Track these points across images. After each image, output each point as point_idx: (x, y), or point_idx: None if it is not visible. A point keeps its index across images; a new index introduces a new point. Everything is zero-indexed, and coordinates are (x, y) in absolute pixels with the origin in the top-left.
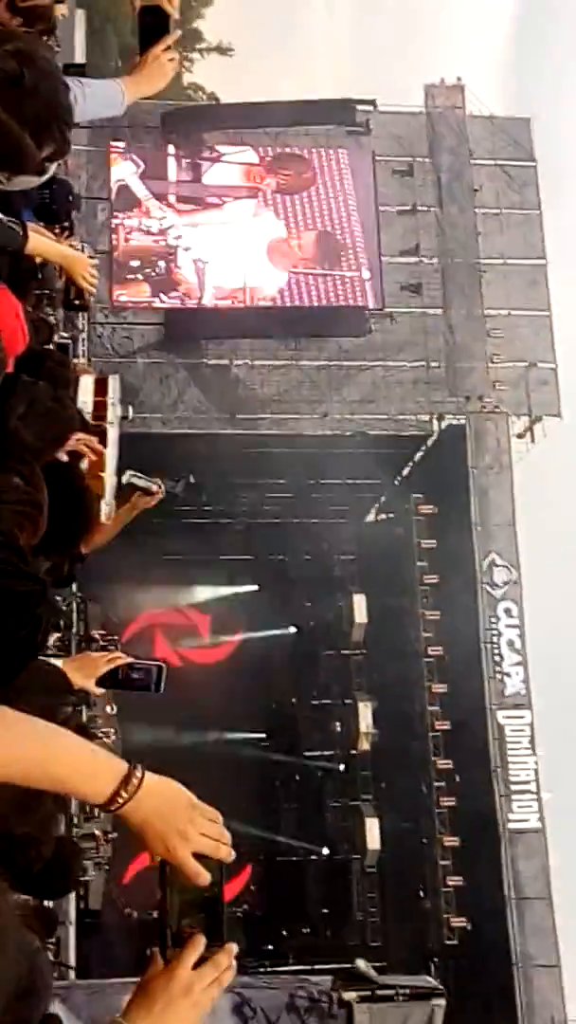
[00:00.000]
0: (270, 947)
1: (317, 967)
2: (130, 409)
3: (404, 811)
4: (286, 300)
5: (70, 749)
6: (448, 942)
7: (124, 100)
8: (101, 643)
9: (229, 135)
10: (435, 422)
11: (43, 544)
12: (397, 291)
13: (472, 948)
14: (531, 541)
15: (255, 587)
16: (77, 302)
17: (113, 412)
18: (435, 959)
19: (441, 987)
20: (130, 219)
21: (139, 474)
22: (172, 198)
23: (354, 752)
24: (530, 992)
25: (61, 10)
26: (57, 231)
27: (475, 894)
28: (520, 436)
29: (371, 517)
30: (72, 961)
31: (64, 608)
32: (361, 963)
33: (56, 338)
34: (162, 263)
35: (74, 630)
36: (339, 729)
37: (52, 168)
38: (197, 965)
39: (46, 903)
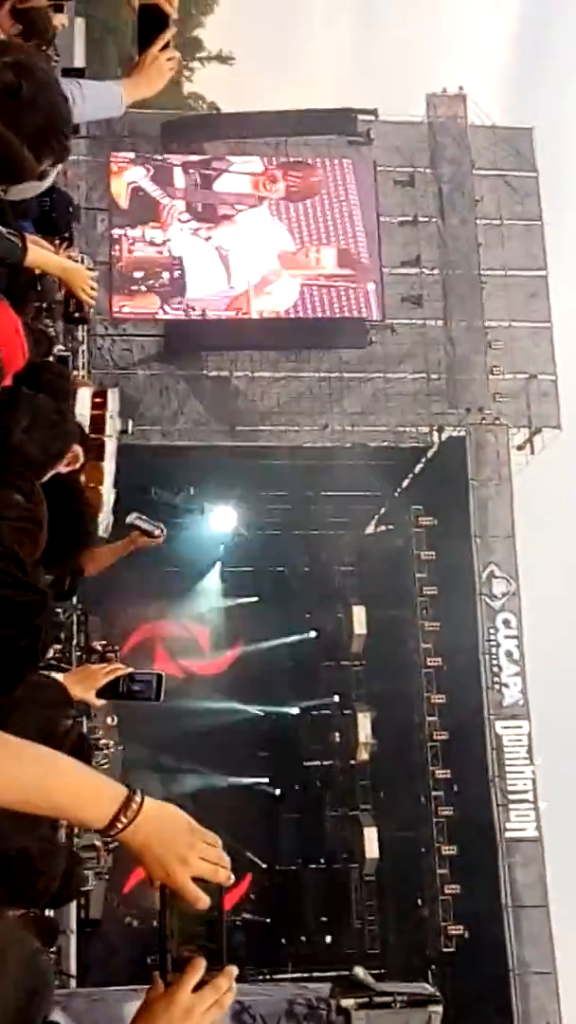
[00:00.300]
0: (269, 955)
1: (316, 974)
2: (129, 423)
3: (402, 820)
4: (295, 312)
5: (70, 775)
6: (446, 950)
7: (123, 101)
8: (102, 654)
9: (231, 145)
10: (435, 434)
11: (43, 558)
12: (398, 302)
13: (469, 956)
14: (530, 553)
15: (255, 599)
16: (77, 315)
17: (112, 425)
18: (433, 966)
19: (438, 994)
20: (133, 230)
21: (143, 516)
22: (182, 204)
23: (353, 762)
24: (527, 999)
25: (60, 20)
26: (56, 242)
27: (472, 902)
28: (520, 448)
29: (371, 529)
30: (73, 969)
31: (64, 620)
32: (359, 970)
33: (56, 350)
34: (166, 274)
35: (74, 642)
36: (338, 739)
37: (52, 175)
38: (197, 988)
39: (47, 912)
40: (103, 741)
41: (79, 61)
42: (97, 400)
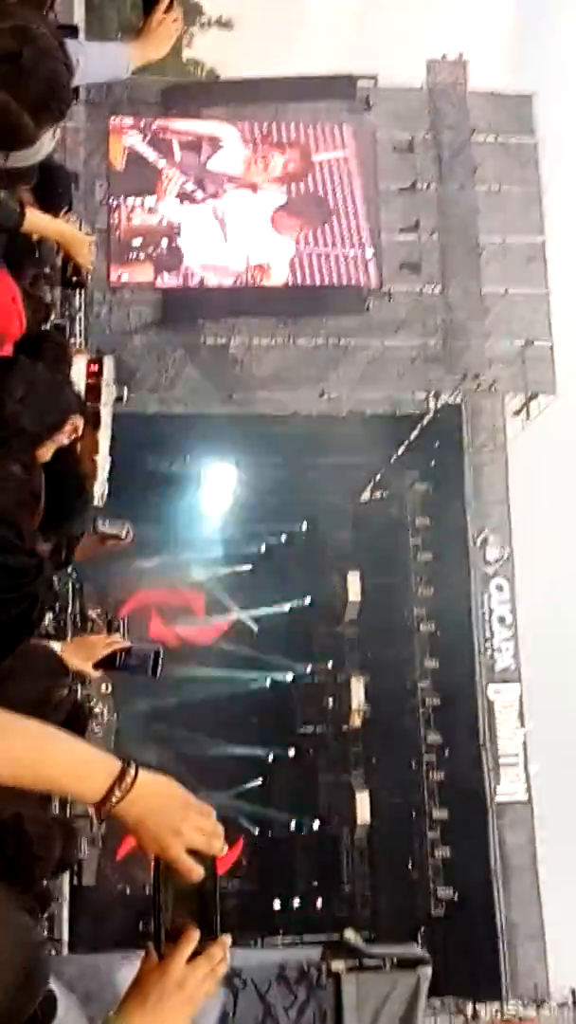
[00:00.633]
0: (261, 919)
1: (307, 938)
2: (125, 390)
3: (394, 785)
4: (292, 279)
5: (63, 749)
6: (436, 912)
7: (130, 63)
8: (98, 623)
9: (229, 111)
10: (431, 400)
11: (40, 527)
12: (396, 269)
13: (459, 918)
14: (524, 518)
15: (250, 566)
16: (75, 279)
17: (107, 393)
18: (423, 929)
19: (427, 956)
20: (132, 198)
21: (107, 520)
22: (179, 174)
23: (346, 728)
24: (514, 960)
25: None
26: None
27: (463, 865)
28: (516, 414)
29: (366, 495)
30: (65, 936)
31: (60, 589)
32: (350, 934)
33: (53, 318)
34: (164, 241)
35: (70, 611)
36: (332, 705)
37: (53, 143)
38: (191, 958)
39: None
40: (97, 709)
41: (80, 32)
42: (92, 368)
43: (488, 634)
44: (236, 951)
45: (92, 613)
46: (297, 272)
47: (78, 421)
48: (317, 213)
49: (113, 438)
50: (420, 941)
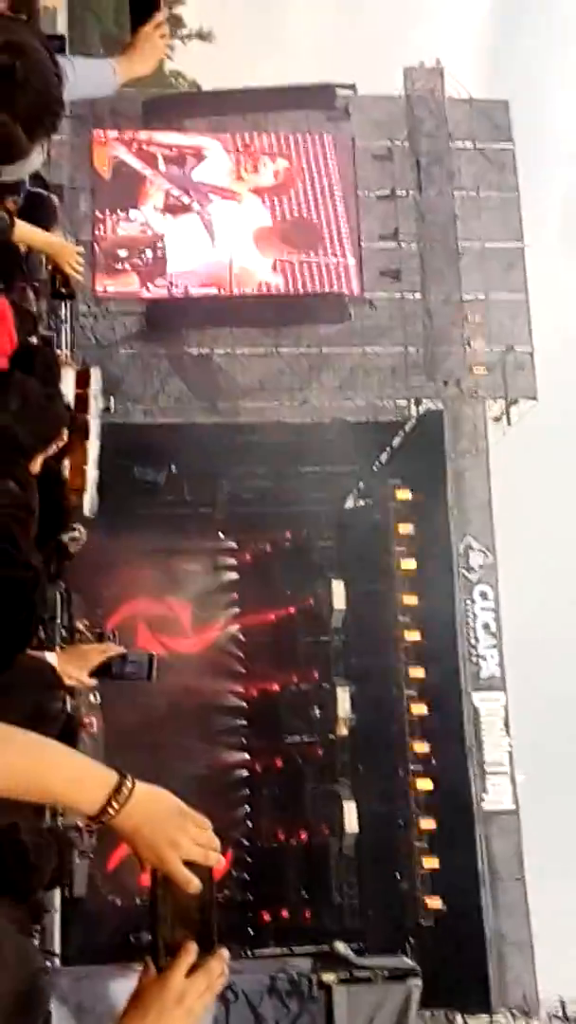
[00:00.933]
0: (251, 931)
1: (297, 950)
2: (112, 400)
3: (381, 794)
4: (274, 288)
5: (59, 761)
6: (424, 923)
7: (117, 79)
8: (87, 634)
9: (211, 122)
10: (413, 407)
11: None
12: (376, 276)
13: (448, 928)
14: (507, 525)
15: (235, 575)
16: (64, 291)
17: (95, 405)
18: (411, 939)
19: (418, 968)
20: (116, 210)
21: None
22: (165, 182)
23: (332, 737)
24: (503, 970)
25: (50, 2)
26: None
27: (451, 875)
28: (496, 419)
29: (350, 503)
30: (57, 948)
31: (48, 599)
32: (340, 945)
33: (40, 330)
34: (148, 252)
35: (58, 621)
36: (318, 714)
37: (42, 156)
38: (190, 972)
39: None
40: (86, 719)
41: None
42: (81, 379)
43: (473, 641)
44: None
45: (80, 625)
46: (278, 281)
47: (63, 432)
48: (303, 239)
49: (101, 448)
50: (409, 952)
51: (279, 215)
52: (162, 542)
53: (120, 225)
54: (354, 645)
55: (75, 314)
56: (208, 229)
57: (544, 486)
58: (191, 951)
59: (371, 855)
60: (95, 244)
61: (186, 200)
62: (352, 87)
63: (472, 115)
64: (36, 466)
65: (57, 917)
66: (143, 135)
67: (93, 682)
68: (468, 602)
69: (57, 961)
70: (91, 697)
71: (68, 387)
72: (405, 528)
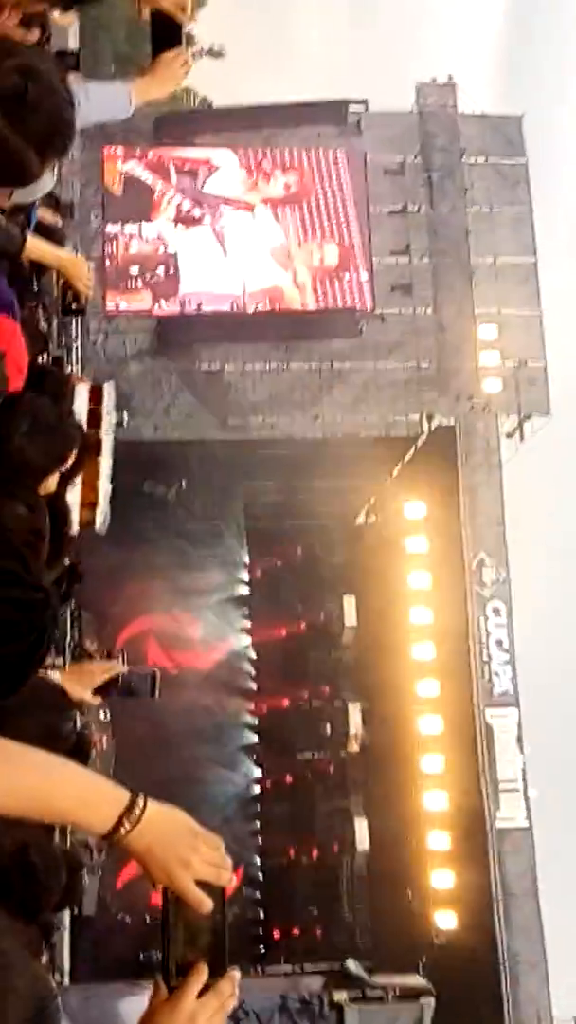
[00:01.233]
0: (261, 949)
1: (308, 968)
2: (124, 415)
3: (393, 812)
4: (286, 303)
5: (71, 780)
6: (437, 941)
7: (132, 102)
8: (96, 658)
9: (223, 138)
10: (425, 422)
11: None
12: (388, 292)
13: (460, 946)
14: (519, 540)
15: (246, 591)
16: (74, 306)
17: (108, 421)
18: (424, 958)
19: (430, 986)
20: (128, 225)
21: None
22: (178, 196)
23: (344, 754)
24: (516, 988)
25: (67, 19)
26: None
27: (463, 893)
28: (509, 435)
29: (361, 519)
30: (66, 966)
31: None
32: (351, 963)
33: (51, 349)
34: (161, 269)
35: (68, 639)
36: (329, 731)
37: (53, 178)
38: (201, 993)
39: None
40: (96, 737)
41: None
42: (93, 395)
43: (486, 658)
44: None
45: (90, 647)
46: (291, 297)
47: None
48: (315, 254)
49: (114, 464)
50: (421, 970)
51: (291, 229)
52: (172, 558)
53: (132, 242)
54: (365, 661)
55: (85, 331)
56: (220, 242)
57: (557, 502)
58: (202, 972)
59: (383, 872)
60: (106, 261)
61: (198, 213)
62: (364, 103)
63: (485, 130)
64: (51, 484)
65: (66, 935)
66: (154, 151)
67: (97, 700)
68: (481, 618)
69: (66, 979)
70: (101, 715)
71: (81, 403)
72: (417, 544)
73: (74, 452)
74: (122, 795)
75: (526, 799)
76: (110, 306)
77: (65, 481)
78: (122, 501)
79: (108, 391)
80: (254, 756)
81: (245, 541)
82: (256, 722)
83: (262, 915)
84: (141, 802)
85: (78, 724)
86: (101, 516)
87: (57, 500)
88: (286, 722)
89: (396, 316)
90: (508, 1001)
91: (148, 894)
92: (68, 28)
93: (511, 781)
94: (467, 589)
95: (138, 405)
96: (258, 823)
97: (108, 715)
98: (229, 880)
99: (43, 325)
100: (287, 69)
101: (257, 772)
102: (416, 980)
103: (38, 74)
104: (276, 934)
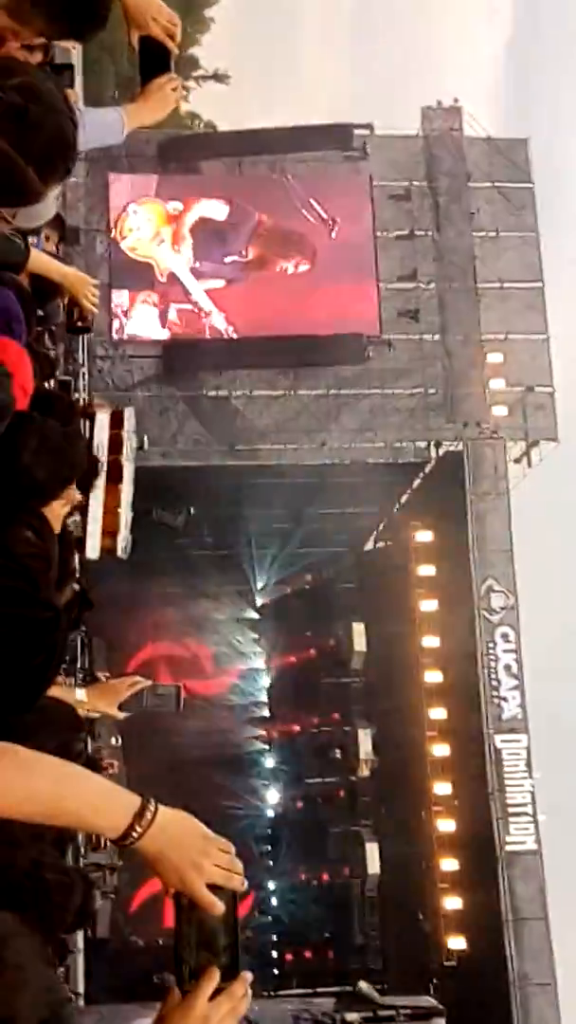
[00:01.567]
0: (274, 971)
1: (320, 990)
2: (145, 439)
3: (403, 835)
4: (293, 329)
5: (83, 785)
6: (447, 963)
7: (125, 127)
8: (108, 680)
9: (228, 166)
10: (433, 448)
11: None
12: (395, 317)
13: (471, 968)
14: (528, 566)
15: (256, 617)
16: (80, 324)
17: (129, 446)
18: (435, 980)
19: (441, 1007)
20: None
21: None
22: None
23: (354, 778)
24: (527, 1011)
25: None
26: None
27: (473, 916)
28: (517, 461)
29: (370, 545)
30: (81, 988)
31: (69, 643)
32: (363, 985)
33: (57, 373)
34: (169, 293)
35: (78, 664)
36: (339, 756)
37: (56, 203)
38: (213, 996)
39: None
40: (107, 761)
41: (77, 85)
42: (114, 420)
43: (494, 683)
44: (251, 1002)
45: (101, 676)
46: (296, 322)
47: (76, 495)
48: (320, 279)
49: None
50: (433, 992)
51: (277, 262)
52: (182, 585)
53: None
54: (375, 686)
55: (92, 357)
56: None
57: (566, 527)
58: (214, 975)
59: (393, 896)
60: (112, 286)
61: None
62: (369, 127)
63: (491, 154)
64: (59, 512)
65: (81, 958)
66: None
67: (123, 715)
68: (490, 644)
69: (81, 1001)
70: (112, 740)
71: (102, 428)
72: (426, 570)
73: (81, 473)
74: (133, 800)
75: (535, 823)
76: (115, 331)
77: (75, 508)
78: (131, 529)
79: (129, 415)
80: (265, 781)
81: (254, 568)
82: (267, 747)
83: (274, 938)
84: (152, 807)
85: (89, 748)
86: (122, 543)
87: (62, 526)
88: (297, 747)
89: (403, 342)
90: (518, 1022)
91: (162, 916)
92: (71, 53)
93: (521, 806)
94: (476, 615)
95: (146, 432)
96: (270, 847)
97: (120, 740)
98: (241, 884)
99: (51, 351)
100: (292, 94)
101: (268, 797)
102: (427, 1001)
103: (40, 93)
104: (288, 957)
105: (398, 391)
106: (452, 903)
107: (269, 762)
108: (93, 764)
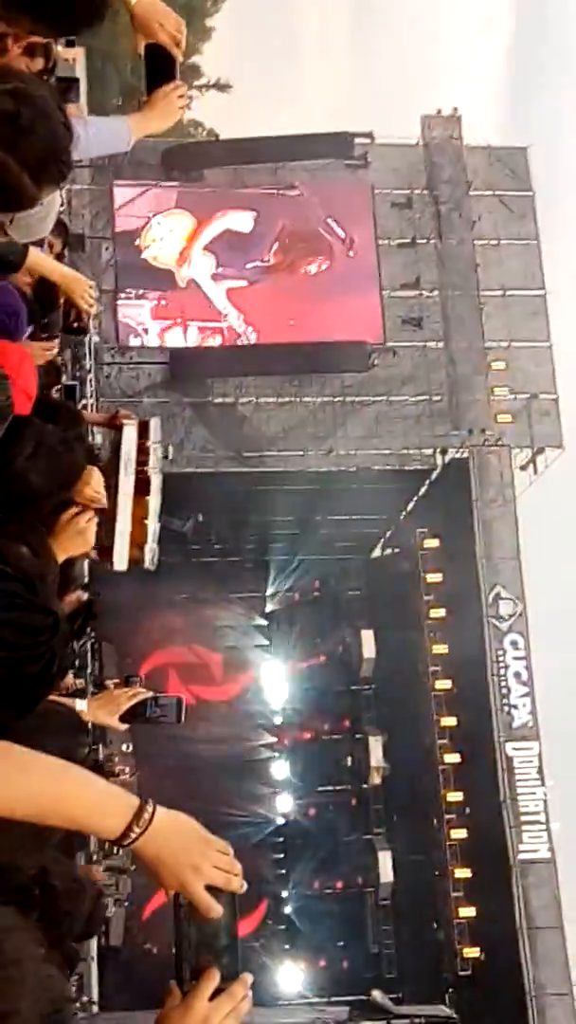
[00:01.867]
0: (288, 980)
1: (334, 999)
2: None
3: (416, 844)
4: (298, 337)
5: (82, 785)
6: (462, 972)
7: (131, 136)
8: (117, 685)
9: (230, 175)
10: (438, 456)
11: None
12: (398, 325)
13: (485, 978)
14: (535, 573)
15: (265, 623)
16: (76, 324)
17: (155, 457)
18: (449, 989)
19: (455, 1016)
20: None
21: None
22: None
23: (366, 786)
24: (543, 1020)
25: (72, 53)
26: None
27: (487, 924)
28: (523, 468)
29: (377, 552)
30: (95, 996)
31: (78, 649)
32: (377, 994)
33: (63, 379)
34: (175, 301)
35: (88, 671)
36: (350, 764)
37: (56, 211)
38: (214, 996)
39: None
40: (119, 768)
41: (80, 90)
42: (140, 431)
43: (504, 691)
44: (265, 1011)
45: (110, 684)
46: (301, 329)
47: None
48: (324, 287)
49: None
50: (447, 1001)
51: (301, 265)
52: (191, 591)
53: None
54: (385, 694)
55: (99, 364)
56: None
57: (573, 534)
58: (214, 975)
59: (407, 904)
60: (116, 296)
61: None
62: (370, 135)
63: (491, 162)
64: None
65: (94, 966)
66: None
67: (123, 727)
68: (499, 651)
69: (95, 1009)
70: (123, 746)
71: (130, 443)
72: (434, 577)
73: (78, 479)
74: (132, 801)
75: (548, 831)
76: (121, 338)
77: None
78: None
79: (155, 426)
80: (276, 789)
81: (262, 574)
82: (277, 755)
83: (287, 947)
84: (150, 808)
85: (100, 754)
86: (150, 554)
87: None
88: (307, 755)
89: (407, 349)
90: None
91: (172, 922)
92: (75, 64)
93: (533, 814)
94: (484, 622)
95: None
96: (282, 856)
97: (131, 746)
98: (240, 886)
99: (57, 358)
100: (293, 102)
101: (279, 804)
102: (442, 1010)
103: (32, 97)
104: (302, 965)
105: (403, 398)
106: (466, 912)
107: (280, 769)
108: (100, 770)
